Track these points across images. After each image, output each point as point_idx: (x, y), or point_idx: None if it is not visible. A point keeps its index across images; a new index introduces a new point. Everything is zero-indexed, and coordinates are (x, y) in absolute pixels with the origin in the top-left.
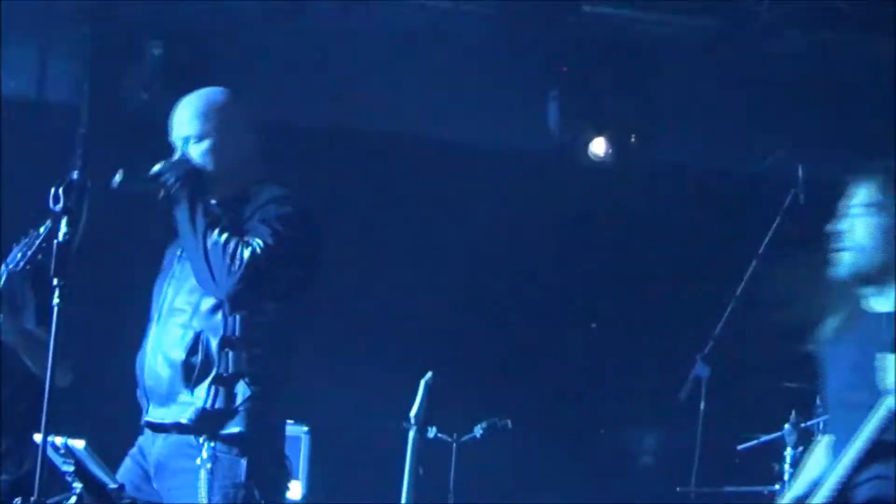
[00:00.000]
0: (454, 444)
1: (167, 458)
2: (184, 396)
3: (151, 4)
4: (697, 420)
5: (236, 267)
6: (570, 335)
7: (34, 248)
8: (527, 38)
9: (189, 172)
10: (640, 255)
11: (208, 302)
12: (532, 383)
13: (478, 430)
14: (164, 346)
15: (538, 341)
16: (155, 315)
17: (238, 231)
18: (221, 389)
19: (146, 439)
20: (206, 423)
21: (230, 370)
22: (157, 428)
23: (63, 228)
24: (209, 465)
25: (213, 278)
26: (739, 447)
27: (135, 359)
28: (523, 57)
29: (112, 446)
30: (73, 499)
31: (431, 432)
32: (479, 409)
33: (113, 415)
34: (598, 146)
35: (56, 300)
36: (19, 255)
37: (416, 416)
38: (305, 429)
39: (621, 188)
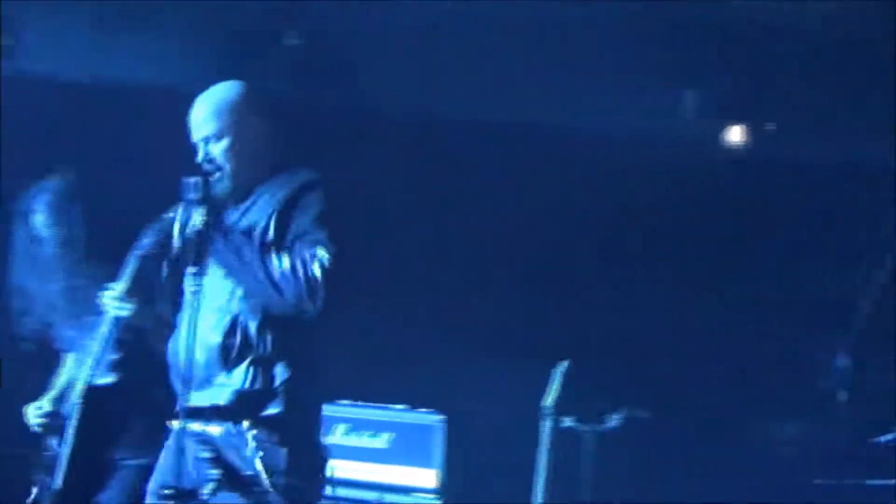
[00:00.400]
0: (589, 434)
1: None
2: (221, 379)
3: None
4: (837, 411)
5: (315, 285)
6: (708, 324)
7: (164, 233)
8: (664, 25)
9: (205, 187)
10: (774, 244)
11: (232, 286)
12: (670, 373)
13: (613, 420)
14: (200, 330)
15: (675, 330)
16: (188, 302)
17: (294, 244)
18: (259, 371)
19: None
20: (244, 405)
21: (268, 352)
22: (195, 413)
23: (200, 218)
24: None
25: (294, 304)
26: (880, 439)
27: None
28: (660, 43)
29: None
30: (211, 485)
31: (566, 422)
32: (615, 398)
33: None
34: (736, 135)
35: (192, 288)
36: (148, 240)
37: (552, 405)
38: (441, 417)
39: (756, 177)
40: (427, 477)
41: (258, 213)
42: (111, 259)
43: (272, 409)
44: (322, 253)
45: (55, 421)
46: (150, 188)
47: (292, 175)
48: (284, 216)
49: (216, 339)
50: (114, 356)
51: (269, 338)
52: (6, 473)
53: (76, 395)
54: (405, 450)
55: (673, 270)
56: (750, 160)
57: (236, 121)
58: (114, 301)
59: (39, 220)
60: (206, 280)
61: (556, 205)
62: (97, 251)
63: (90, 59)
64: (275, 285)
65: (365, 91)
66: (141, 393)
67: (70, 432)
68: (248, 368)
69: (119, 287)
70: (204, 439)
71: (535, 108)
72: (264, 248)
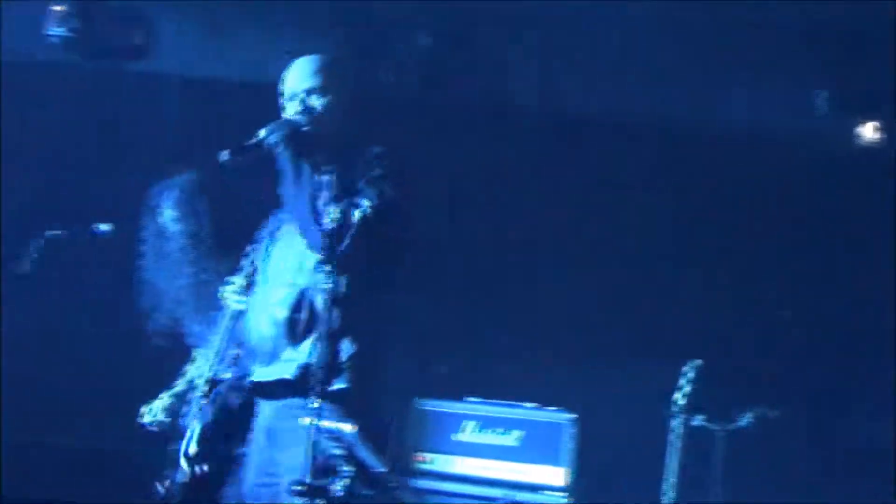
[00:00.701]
0: (720, 433)
1: (276, 422)
2: (288, 353)
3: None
4: None
5: (347, 229)
6: (841, 322)
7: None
8: (800, 23)
9: (293, 131)
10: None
11: (312, 259)
12: (801, 372)
13: (744, 420)
14: (269, 306)
15: (807, 328)
16: (261, 279)
17: (346, 192)
18: (326, 345)
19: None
20: (311, 378)
21: (335, 326)
22: (263, 388)
23: (333, 216)
24: (317, 425)
25: (323, 240)
26: None
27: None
28: (794, 40)
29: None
30: (342, 482)
31: (697, 420)
32: (746, 397)
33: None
34: (869, 132)
35: (326, 285)
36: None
37: (682, 403)
38: (571, 416)
39: (890, 176)
40: (556, 475)
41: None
42: (234, 254)
43: (338, 384)
44: (367, 204)
45: (178, 417)
46: (269, 185)
47: (365, 148)
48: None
49: (283, 312)
50: (235, 350)
51: (335, 312)
52: (133, 470)
53: (200, 390)
54: (534, 448)
55: (804, 268)
56: (883, 158)
57: (341, 83)
58: (234, 295)
59: (167, 215)
60: (275, 257)
61: (686, 202)
62: (222, 246)
63: (221, 57)
64: (315, 217)
65: (494, 88)
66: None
67: (195, 427)
68: (314, 343)
69: (239, 281)
70: (336, 436)
71: (667, 105)
72: (321, 184)
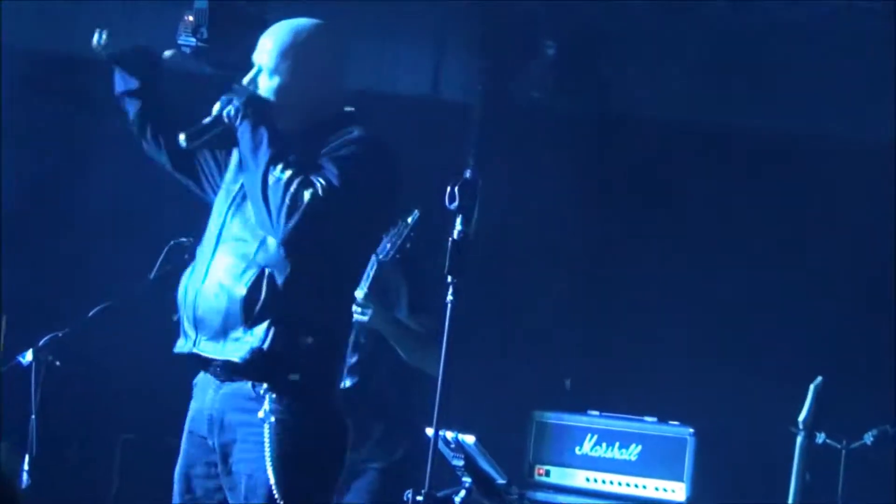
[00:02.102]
0: (843, 451)
1: (223, 412)
2: (239, 333)
3: (546, 3)
4: None
5: (295, 208)
6: None
7: (403, 237)
8: None
9: (251, 99)
10: None
11: (260, 237)
12: None
13: (868, 438)
14: (221, 276)
15: None
16: (211, 239)
17: (304, 168)
18: (281, 332)
19: (195, 399)
20: (261, 364)
21: (293, 313)
22: (205, 362)
23: (458, 226)
24: (272, 419)
25: (270, 217)
26: None
27: (185, 278)
28: None
29: (501, 441)
30: (463, 493)
31: (820, 438)
32: (870, 415)
33: (502, 409)
34: None
35: (449, 297)
36: (389, 244)
37: (805, 420)
38: (691, 430)
39: None
40: (676, 490)
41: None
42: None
43: (291, 376)
44: (321, 182)
45: None
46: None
47: (341, 129)
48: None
49: (241, 290)
50: (352, 360)
51: (294, 298)
52: None
53: None
54: (654, 462)
55: None
56: None
57: (296, 66)
58: (354, 305)
59: None
60: (231, 220)
61: (812, 217)
62: None
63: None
64: (264, 190)
65: (620, 98)
66: (379, 396)
67: None
68: (268, 328)
69: (359, 292)
70: (457, 446)
71: (795, 116)
72: (277, 156)
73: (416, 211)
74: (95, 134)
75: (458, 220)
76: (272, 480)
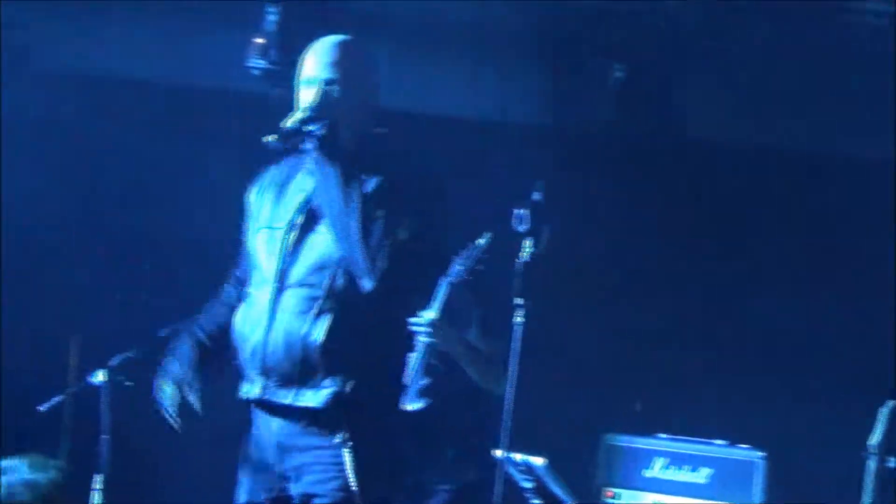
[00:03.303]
0: None
1: (293, 437)
2: (318, 380)
3: (614, 28)
4: None
5: (381, 252)
6: None
7: (474, 260)
8: None
9: (325, 127)
10: None
11: (342, 279)
12: None
13: None
14: (292, 322)
15: None
16: (268, 283)
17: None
18: (357, 375)
19: (257, 426)
20: (340, 408)
21: (368, 355)
22: (279, 410)
23: (527, 249)
24: (348, 443)
25: (365, 258)
26: None
27: (241, 322)
28: None
29: (570, 463)
30: None
31: (891, 462)
32: None
33: (571, 432)
34: None
35: (518, 318)
36: (460, 267)
37: (876, 444)
38: (761, 454)
39: None
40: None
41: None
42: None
43: (366, 416)
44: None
45: None
46: (461, 216)
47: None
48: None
49: (318, 336)
50: (423, 382)
51: (367, 341)
52: None
53: None
54: (724, 486)
55: None
56: None
57: (349, 73)
58: (426, 328)
59: None
60: (292, 263)
61: (879, 239)
62: None
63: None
64: (349, 235)
65: (687, 122)
66: (450, 418)
67: None
68: (348, 371)
69: (430, 314)
70: (526, 468)
71: (853, 140)
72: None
73: (487, 234)
74: (166, 159)
75: (527, 243)
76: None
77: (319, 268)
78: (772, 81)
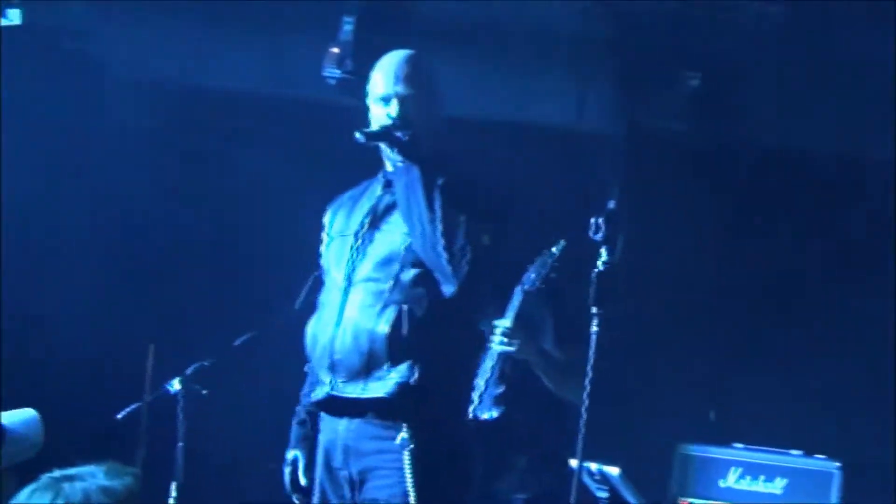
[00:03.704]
0: None
1: (357, 440)
2: (384, 371)
3: (689, 33)
4: None
5: (464, 258)
6: None
7: (548, 267)
8: None
9: (408, 138)
10: None
11: (409, 273)
12: None
13: None
14: (357, 317)
15: None
16: (338, 286)
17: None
18: (422, 366)
19: (324, 431)
20: (406, 399)
21: (433, 347)
22: (346, 404)
23: (602, 258)
24: (410, 446)
25: (444, 266)
26: None
27: (313, 328)
28: None
29: (644, 473)
30: None
31: None
32: None
33: (646, 441)
34: None
35: (594, 328)
36: (534, 275)
37: None
38: (838, 464)
39: None
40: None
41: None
42: (498, 294)
43: (430, 408)
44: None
45: None
46: (536, 223)
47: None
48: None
49: (384, 328)
50: (498, 391)
51: (433, 331)
52: None
53: None
54: (800, 496)
55: None
56: None
57: (421, 88)
58: (500, 336)
59: None
60: (360, 262)
61: None
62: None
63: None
64: (435, 239)
65: (762, 129)
66: (525, 427)
67: None
68: (413, 362)
69: (505, 322)
70: (601, 478)
71: None
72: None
73: (561, 241)
74: (242, 168)
75: (603, 251)
76: None
77: (386, 262)
78: (852, 88)
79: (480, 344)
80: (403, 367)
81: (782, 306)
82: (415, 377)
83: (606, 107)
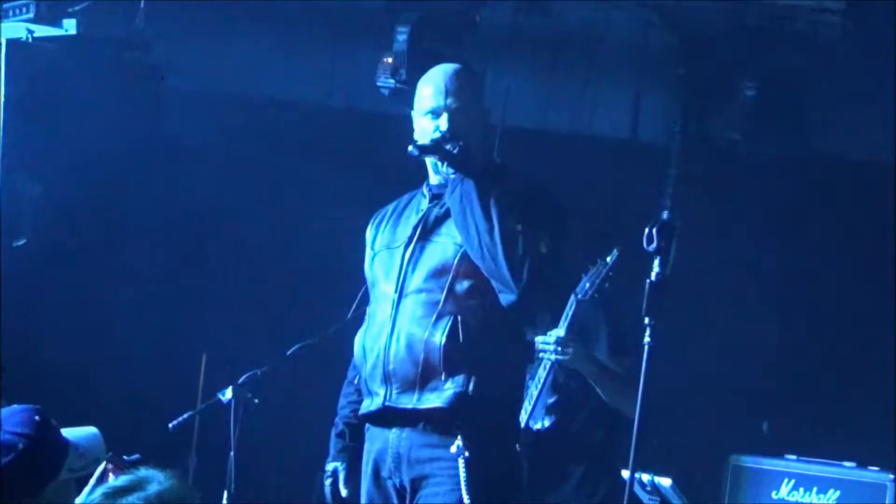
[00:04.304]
0: None
1: (409, 448)
2: (440, 381)
3: (747, 44)
4: None
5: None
6: None
7: (602, 277)
8: None
9: (461, 150)
10: None
11: (463, 284)
12: None
13: None
14: (412, 328)
15: None
16: (389, 298)
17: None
18: (478, 376)
19: (372, 441)
20: (462, 409)
21: (487, 357)
22: (400, 414)
23: (655, 268)
24: (466, 454)
25: (503, 276)
26: None
27: (362, 340)
28: None
29: (697, 484)
30: None
31: None
32: None
33: (698, 452)
34: None
35: (647, 339)
36: (588, 284)
37: None
38: (892, 476)
39: None
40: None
41: None
42: (552, 304)
43: (484, 418)
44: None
45: None
46: (587, 233)
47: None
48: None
49: (439, 339)
50: (551, 400)
51: (488, 342)
52: None
53: None
54: None
55: None
56: None
57: (469, 101)
58: (554, 345)
59: None
60: (412, 273)
61: None
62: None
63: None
64: (504, 244)
65: (820, 140)
66: (579, 437)
67: None
68: (469, 372)
69: (558, 331)
70: (653, 488)
71: None
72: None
73: (615, 251)
74: (295, 177)
75: (656, 261)
76: None
77: (438, 273)
78: None
79: (533, 353)
80: (460, 377)
81: (837, 317)
82: (471, 388)
83: (662, 117)
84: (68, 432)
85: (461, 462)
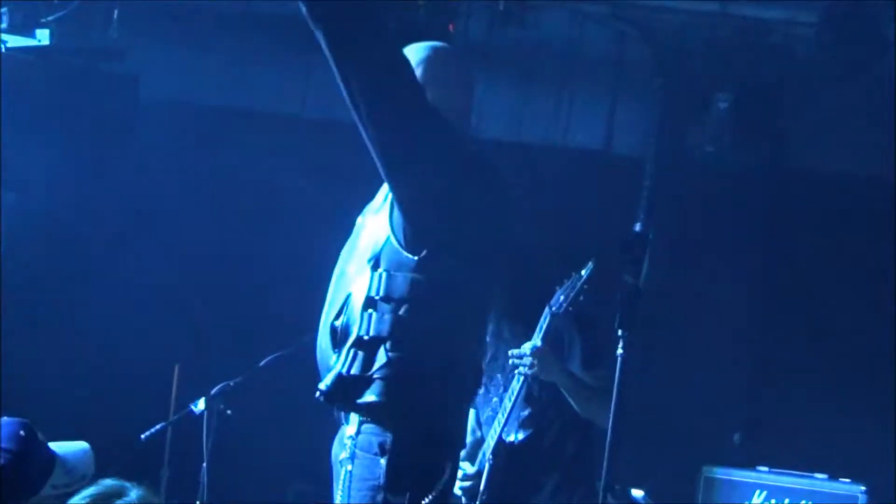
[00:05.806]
0: None
1: (342, 444)
2: (331, 363)
3: (722, 57)
4: None
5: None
6: None
7: (576, 290)
8: None
9: None
10: None
11: (361, 263)
12: None
13: None
14: (328, 314)
15: None
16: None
17: None
18: (360, 354)
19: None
20: (342, 390)
21: (370, 333)
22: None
23: (629, 280)
24: (349, 466)
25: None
26: None
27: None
28: None
29: (669, 495)
30: None
31: None
32: None
33: (671, 464)
34: None
35: (620, 350)
36: (562, 297)
37: None
38: (863, 488)
39: None
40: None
41: None
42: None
43: (368, 397)
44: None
45: (476, 482)
46: (563, 246)
47: None
48: None
49: (331, 319)
50: (524, 413)
51: (371, 316)
52: None
53: (488, 452)
54: None
55: None
56: None
57: (431, 80)
58: (528, 357)
59: None
60: (342, 265)
61: None
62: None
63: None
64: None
65: (795, 151)
66: (552, 449)
67: (483, 489)
68: (348, 351)
69: (533, 343)
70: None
71: None
72: None
73: (589, 264)
74: (267, 186)
75: (629, 274)
76: None
77: (356, 259)
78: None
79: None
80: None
81: (811, 330)
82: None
83: (637, 129)
84: (58, 447)
85: (382, 462)
